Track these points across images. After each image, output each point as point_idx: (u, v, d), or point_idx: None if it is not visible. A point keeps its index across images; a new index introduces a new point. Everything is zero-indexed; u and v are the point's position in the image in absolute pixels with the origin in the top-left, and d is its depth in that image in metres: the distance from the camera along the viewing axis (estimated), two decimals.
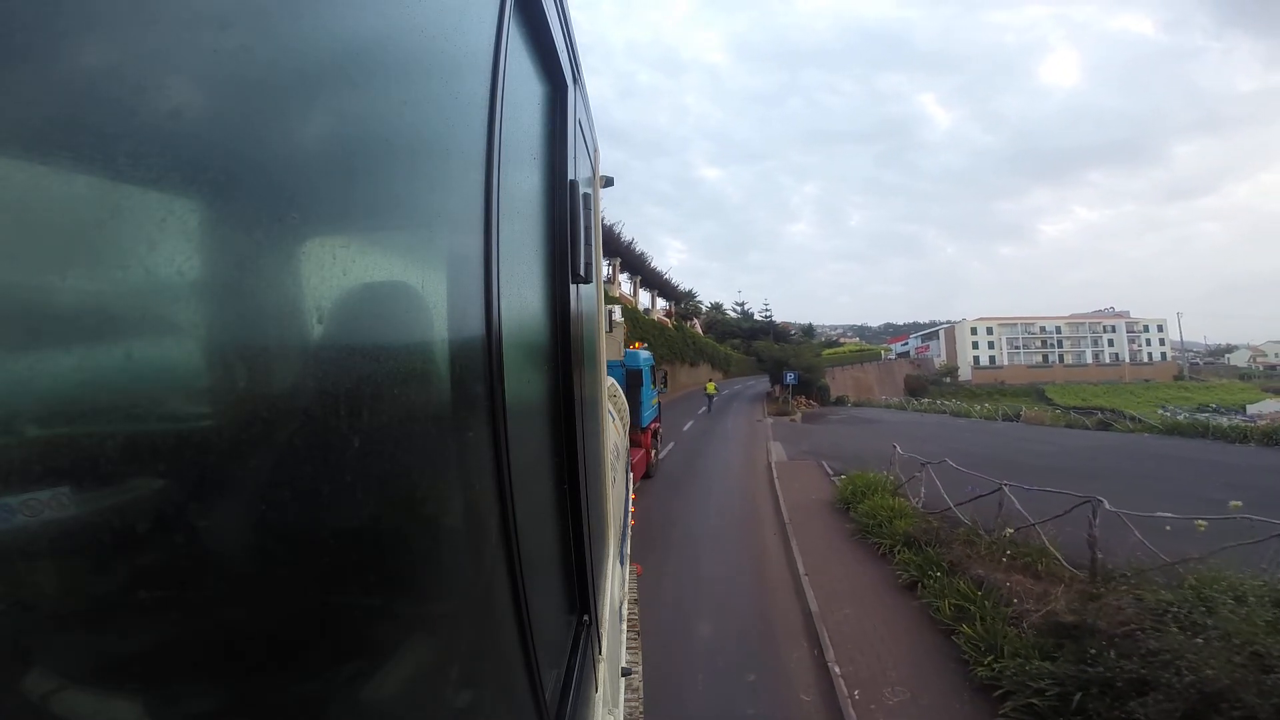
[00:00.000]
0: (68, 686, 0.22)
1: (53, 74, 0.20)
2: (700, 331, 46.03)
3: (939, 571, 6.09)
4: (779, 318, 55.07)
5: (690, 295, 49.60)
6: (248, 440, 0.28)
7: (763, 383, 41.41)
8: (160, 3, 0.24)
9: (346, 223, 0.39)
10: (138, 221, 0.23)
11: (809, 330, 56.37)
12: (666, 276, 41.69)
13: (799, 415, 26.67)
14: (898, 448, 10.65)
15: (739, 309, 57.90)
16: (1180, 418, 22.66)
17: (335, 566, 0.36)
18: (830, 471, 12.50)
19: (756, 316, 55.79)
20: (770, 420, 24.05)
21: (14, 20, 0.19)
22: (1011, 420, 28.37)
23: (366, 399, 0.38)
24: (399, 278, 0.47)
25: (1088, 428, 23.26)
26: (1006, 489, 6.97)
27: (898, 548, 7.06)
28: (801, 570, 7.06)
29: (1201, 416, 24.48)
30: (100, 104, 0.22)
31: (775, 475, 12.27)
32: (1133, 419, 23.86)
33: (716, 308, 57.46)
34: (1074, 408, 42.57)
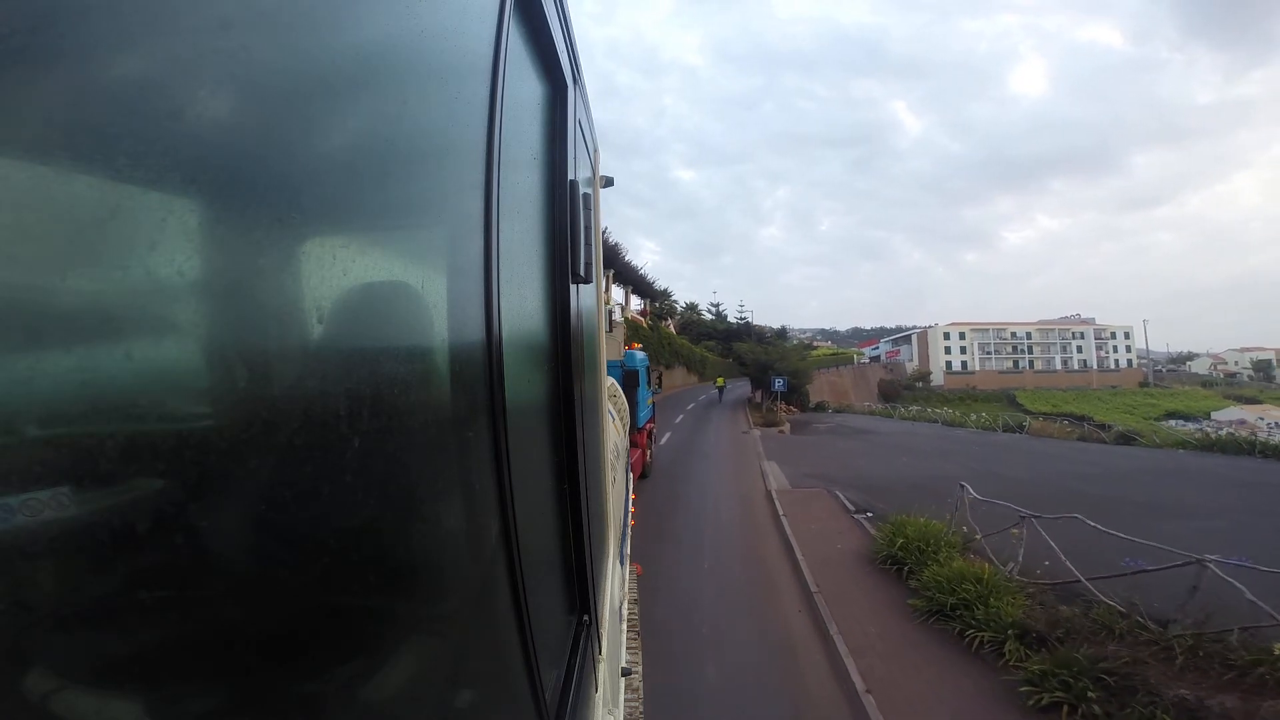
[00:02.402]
0: (68, 686, 0.22)
1: (53, 74, 0.20)
2: (674, 332, 44.15)
3: (1098, 689, 3.93)
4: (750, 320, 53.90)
5: (666, 294, 47.77)
6: (248, 440, 0.28)
7: (740, 387, 39.06)
8: (161, 3, 0.24)
9: (347, 223, 0.39)
10: (138, 221, 0.23)
11: (782, 333, 54.59)
12: (642, 272, 39.77)
13: (787, 426, 23.73)
14: (969, 489, 7.35)
15: (714, 310, 56.05)
16: (1222, 434, 21.39)
17: (335, 567, 0.36)
18: (850, 505, 9.63)
19: (731, 318, 54.37)
20: (758, 432, 20.95)
21: (14, 20, 0.19)
22: (1015, 431, 26.01)
23: (367, 399, 0.38)
24: (399, 278, 0.47)
25: (1105, 442, 21.52)
26: (1214, 567, 4.45)
27: (1008, 643, 4.65)
28: (859, 682, 4.43)
29: (1242, 432, 23.10)
30: (100, 104, 0.22)
31: (780, 510, 9.44)
32: (1120, 430, 23.17)
33: (691, 308, 55.41)
34: (1046, 414, 41.82)
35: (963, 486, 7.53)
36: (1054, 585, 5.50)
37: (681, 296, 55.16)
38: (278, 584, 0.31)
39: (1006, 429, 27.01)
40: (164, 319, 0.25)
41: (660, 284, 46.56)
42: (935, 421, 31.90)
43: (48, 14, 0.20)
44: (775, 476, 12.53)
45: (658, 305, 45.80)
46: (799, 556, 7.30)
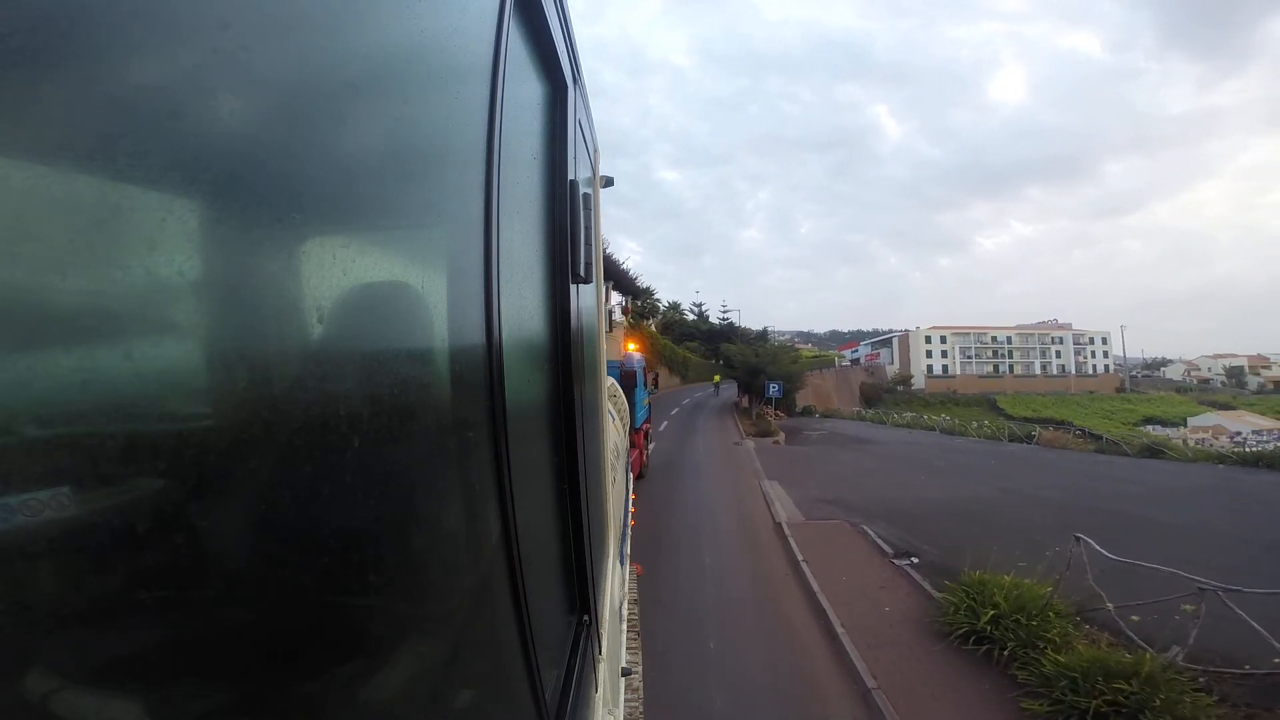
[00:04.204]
0: (68, 686, 0.22)
1: (53, 74, 0.20)
2: (656, 332, 42.25)
3: None
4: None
5: (649, 293, 45.43)
6: (248, 440, 0.28)
7: (727, 390, 37.10)
8: (161, 3, 0.24)
9: (347, 223, 0.39)
10: (138, 221, 0.23)
11: (764, 334, 52.38)
12: (625, 267, 37.08)
13: (782, 436, 21.52)
14: (1090, 542, 5.20)
15: (696, 310, 54.75)
16: (1268, 447, 19.88)
17: (335, 567, 0.36)
18: (885, 546, 7.56)
19: (713, 319, 52.96)
20: (751, 443, 18.72)
21: (14, 20, 0.19)
22: (1023, 442, 23.87)
23: (367, 399, 0.38)
24: (399, 278, 0.47)
25: (1128, 454, 19.46)
26: None
27: None
28: None
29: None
30: (100, 104, 0.22)
31: (797, 553, 7.25)
32: (1145, 442, 21.77)
33: (674, 308, 53.54)
34: (1027, 418, 40.90)
35: (1079, 539, 5.27)
36: (1244, 677, 4.05)
37: (663, 296, 53.45)
38: (278, 584, 0.31)
39: (1013, 439, 25.39)
40: (164, 319, 0.25)
41: (642, 282, 43.62)
42: (933, 429, 30.34)
43: (48, 14, 0.20)
44: (782, 502, 10.24)
45: (640, 304, 43.49)
46: (838, 628, 5.18)
